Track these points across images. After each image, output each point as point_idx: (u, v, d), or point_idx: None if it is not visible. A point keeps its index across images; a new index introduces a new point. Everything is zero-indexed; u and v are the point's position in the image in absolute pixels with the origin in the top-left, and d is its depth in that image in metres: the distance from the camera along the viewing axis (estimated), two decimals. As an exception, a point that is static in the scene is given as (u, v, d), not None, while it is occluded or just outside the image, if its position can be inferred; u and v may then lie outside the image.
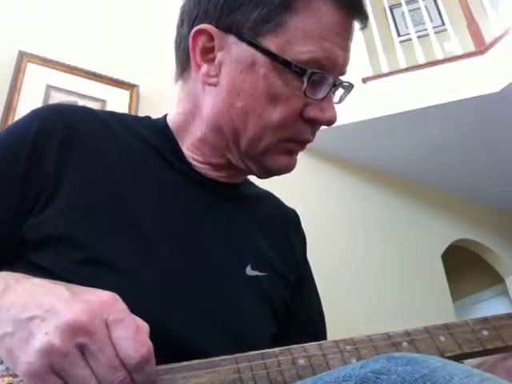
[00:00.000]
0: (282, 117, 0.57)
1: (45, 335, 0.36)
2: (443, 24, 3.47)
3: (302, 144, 0.61)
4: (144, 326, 0.39)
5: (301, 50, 0.55)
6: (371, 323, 2.51)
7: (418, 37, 3.16)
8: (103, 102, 2.28)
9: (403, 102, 2.91)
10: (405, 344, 0.47)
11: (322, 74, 0.56)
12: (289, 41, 0.55)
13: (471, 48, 2.98)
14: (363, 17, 0.60)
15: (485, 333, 0.51)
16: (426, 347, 0.48)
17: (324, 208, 2.96)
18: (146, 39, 2.54)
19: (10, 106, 1.99)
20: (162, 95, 2.24)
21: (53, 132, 0.56)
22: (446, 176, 3.51)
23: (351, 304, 2.69)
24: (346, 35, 0.58)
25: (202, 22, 0.59)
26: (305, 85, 0.55)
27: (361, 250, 3.00)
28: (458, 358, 0.48)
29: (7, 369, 0.39)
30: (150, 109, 2.28)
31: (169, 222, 0.58)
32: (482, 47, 2.89)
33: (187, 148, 0.64)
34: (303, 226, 0.79)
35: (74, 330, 0.36)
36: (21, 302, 0.39)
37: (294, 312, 0.68)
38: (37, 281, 0.42)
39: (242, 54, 0.57)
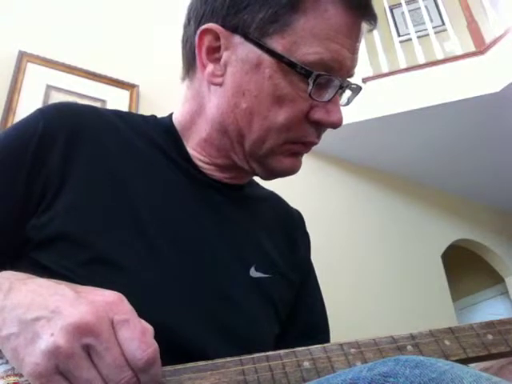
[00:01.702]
0: (287, 118, 0.56)
1: (50, 336, 0.35)
2: (443, 24, 3.47)
3: (307, 146, 0.61)
4: (149, 328, 0.39)
5: (307, 52, 0.54)
6: (371, 323, 2.51)
7: (418, 37, 3.16)
8: (103, 102, 2.27)
9: (403, 102, 2.92)
10: (409, 347, 0.47)
11: (328, 77, 0.55)
12: (295, 42, 0.54)
13: (471, 48, 2.98)
14: (372, 18, 0.59)
15: (490, 337, 0.51)
16: (430, 351, 0.47)
17: (324, 208, 2.96)
18: (146, 39, 2.53)
19: (10, 105, 1.99)
20: (161, 95, 2.24)
21: (58, 131, 0.56)
22: (446, 176, 3.51)
23: (351, 304, 2.69)
24: (354, 37, 0.57)
25: (209, 21, 0.58)
26: (310, 87, 0.54)
27: (361, 249, 3.00)
28: (463, 362, 0.48)
29: (13, 368, 0.39)
30: (150, 109, 2.27)
31: (173, 222, 0.58)
32: (482, 47, 2.89)
33: (192, 148, 0.64)
34: (304, 226, 0.79)
35: (80, 331, 0.36)
36: (26, 302, 0.39)
37: (297, 313, 0.68)
38: (41, 281, 0.42)
39: (248, 54, 0.56)
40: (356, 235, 3.04)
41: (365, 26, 0.59)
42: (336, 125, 0.58)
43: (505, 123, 2.98)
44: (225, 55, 0.58)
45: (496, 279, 3.93)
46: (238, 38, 0.57)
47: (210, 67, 0.59)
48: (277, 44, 0.55)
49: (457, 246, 3.63)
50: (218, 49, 0.58)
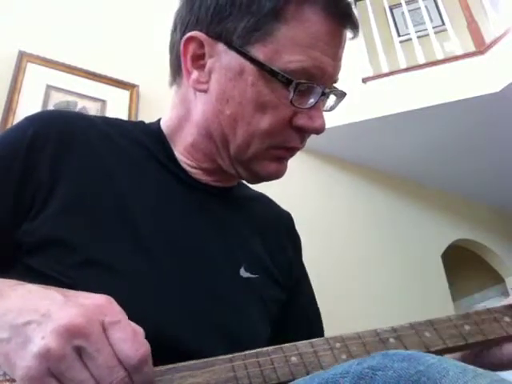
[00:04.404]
0: (271, 125, 0.57)
1: (41, 339, 0.36)
2: (443, 24, 3.47)
3: (290, 151, 0.62)
4: (140, 329, 0.39)
5: (289, 60, 0.55)
6: (371, 323, 2.51)
7: (418, 37, 3.17)
8: (103, 101, 2.28)
9: (403, 101, 2.92)
10: (392, 340, 0.49)
11: (309, 84, 0.56)
12: (277, 50, 0.55)
13: (471, 48, 2.99)
14: (353, 26, 0.59)
15: (467, 327, 0.53)
16: (412, 343, 0.49)
17: (324, 208, 2.97)
18: (145, 39, 2.54)
19: (10, 106, 2.00)
20: (161, 95, 2.24)
21: (47, 137, 0.57)
22: (446, 176, 3.51)
23: (351, 304, 2.69)
24: (335, 44, 0.58)
25: (194, 29, 0.59)
26: (291, 95, 0.55)
27: (361, 249, 3.00)
28: (443, 352, 0.50)
29: (4, 374, 0.39)
30: (150, 109, 2.28)
31: (165, 224, 0.58)
32: (482, 47, 2.90)
33: (180, 152, 0.65)
34: (303, 227, 0.79)
35: (70, 333, 0.36)
36: (16, 307, 0.39)
37: (290, 313, 0.68)
38: (31, 286, 0.42)
39: (231, 62, 0.57)
40: (356, 235, 3.05)
41: (347, 34, 0.60)
42: (319, 131, 0.59)
43: (505, 123, 2.99)
44: (209, 62, 0.59)
45: (496, 279, 3.94)
46: (221, 46, 0.58)
47: (195, 74, 0.60)
48: (259, 52, 0.56)
49: (457, 246, 3.63)
50: (202, 56, 0.59)
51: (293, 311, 0.69)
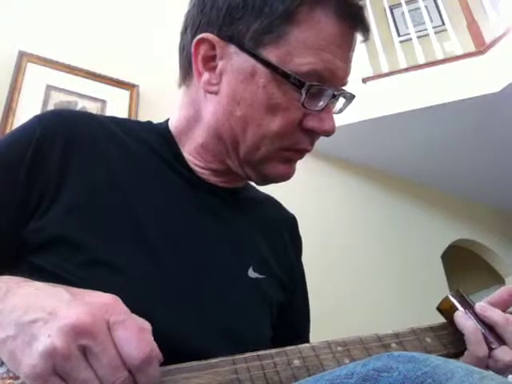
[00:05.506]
0: (281, 126, 0.57)
1: (47, 337, 0.36)
2: (443, 24, 3.47)
3: (300, 153, 0.62)
4: (146, 327, 0.39)
5: (301, 62, 0.55)
6: (371, 323, 2.52)
7: (418, 37, 3.16)
8: (103, 102, 2.28)
9: (403, 102, 2.92)
10: (394, 345, 0.49)
11: (320, 87, 0.56)
12: (289, 52, 0.55)
13: (471, 48, 2.98)
14: (365, 29, 0.60)
15: None
16: (413, 348, 0.50)
17: (324, 208, 2.97)
18: (146, 39, 2.54)
19: (10, 105, 1.99)
20: (162, 95, 2.25)
21: (55, 136, 0.57)
22: (446, 176, 3.51)
23: (351, 304, 2.69)
24: (346, 47, 0.58)
25: (205, 31, 0.59)
26: (303, 97, 0.56)
27: (360, 249, 3.00)
28: (445, 357, 0.50)
29: (8, 371, 0.39)
30: (150, 109, 2.28)
31: (171, 224, 0.58)
32: (482, 47, 2.89)
33: (188, 153, 0.65)
34: (303, 226, 0.79)
35: (77, 332, 0.36)
36: (23, 305, 0.39)
37: (284, 314, 0.69)
38: (38, 284, 0.42)
39: (243, 64, 0.57)
40: (356, 235, 3.05)
41: (357, 37, 0.60)
42: (329, 133, 0.59)
43: (505, 123, 2.98)
44: (220, 64, 0.59)
45: (496, 279, 3.93)
46: (233, 48, 0.58)
47: (206, 76, 0.60)
48: (271, 54, 0.56)
49: (457, 246, 3.63)
50: (213, 58, 0.59)
51: (286, 313, 0.69)
